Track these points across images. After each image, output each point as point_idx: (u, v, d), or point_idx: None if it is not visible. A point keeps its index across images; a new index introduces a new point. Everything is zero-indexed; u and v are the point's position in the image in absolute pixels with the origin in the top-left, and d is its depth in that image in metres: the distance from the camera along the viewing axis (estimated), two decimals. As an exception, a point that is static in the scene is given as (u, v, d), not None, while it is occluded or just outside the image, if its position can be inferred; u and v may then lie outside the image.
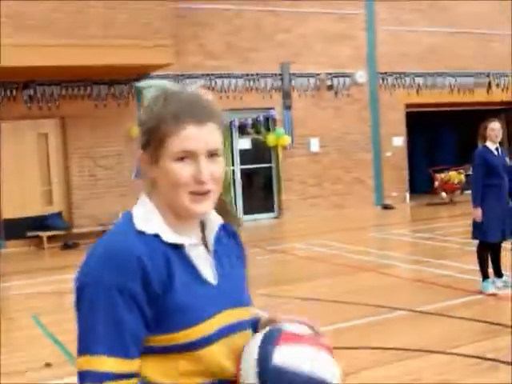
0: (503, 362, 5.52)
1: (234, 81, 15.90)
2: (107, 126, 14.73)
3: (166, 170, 1.58)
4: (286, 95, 16.44)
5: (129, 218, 1.62)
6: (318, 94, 17.00)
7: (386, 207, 17.35)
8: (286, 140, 16.17)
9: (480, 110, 18.58)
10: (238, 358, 1.60)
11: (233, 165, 16.26)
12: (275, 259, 11.25)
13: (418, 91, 18.20)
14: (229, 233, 1.79)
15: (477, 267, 8.19)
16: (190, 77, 15.15)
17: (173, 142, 1.57)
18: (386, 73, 17.80)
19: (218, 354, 1.58)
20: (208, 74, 15.57)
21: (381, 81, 17.75)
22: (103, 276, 1.50)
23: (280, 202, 16.66)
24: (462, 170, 18.16)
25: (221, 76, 15.75)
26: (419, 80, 18.21)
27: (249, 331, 1.69)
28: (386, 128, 17.82)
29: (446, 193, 17.81)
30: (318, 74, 16.91)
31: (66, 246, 13.68)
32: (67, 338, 6.53)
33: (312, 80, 16.86)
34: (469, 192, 17.67)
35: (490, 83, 19.42)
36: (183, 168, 1.57)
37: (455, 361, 5.60)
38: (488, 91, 19.38)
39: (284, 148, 16.38)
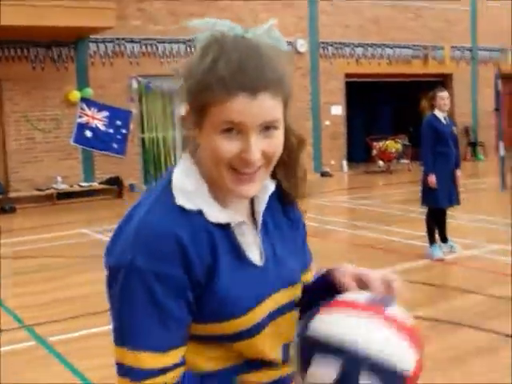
0: (458, 324, 5.58)
1: (175, 46, 15.56)
2: (45, 89, 14.31)
3: (208, 141, 1.31)
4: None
5: (168, 186, 1.36)
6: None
7: (324, 174, 17.43)
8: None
9: (417, 81, 18.81)
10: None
11: (173, 130, 15.98)
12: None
13: (357, 61, 18.25)
14: (279, 198, 1.51)
15: (421, 233, 8.29)
16: (131, 41, 14.77)
17: (218, 111, 1.27)
18: (326, 42, 17.75)
19: (266, 339, 1.40)
20: (150, 39, 15.21)
21: (321, 50, 17.70)
22: (138, 260, 1.28)
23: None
24: (398, 140, 18.36)
25: (163, 41, 15.40)
26: (359, 50, 18.26)
27: (296, 309, 1.49)
28: (326, 97, 17.85)
29: (383, 161, 18.00)
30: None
31: (3, 211, 13.22)
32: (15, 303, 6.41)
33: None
34: (405, 161, 18.05)
35: (426, 55, 19.61)
36: (228, 142, 1.28)
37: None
38: (424, 63, 19.58)
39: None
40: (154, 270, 1.27)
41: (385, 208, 12.12)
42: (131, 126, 14.61)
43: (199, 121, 1.30)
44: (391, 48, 18.81)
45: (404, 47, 19.05)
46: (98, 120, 14.17)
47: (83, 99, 14.21)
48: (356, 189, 15.50)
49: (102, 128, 14.23)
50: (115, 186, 14.66)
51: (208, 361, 1.41)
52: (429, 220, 7.95)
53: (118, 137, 14.39)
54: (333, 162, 17.99)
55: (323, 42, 17.69)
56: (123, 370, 1.31)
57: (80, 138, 14.11)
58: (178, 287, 1.29)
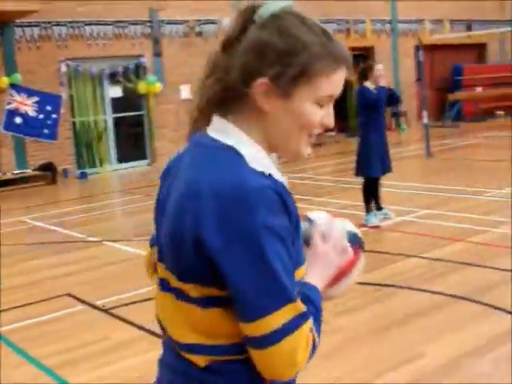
0: (399, 287, 5.82)
1: (102, 28, 15.38)
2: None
3: (298, 110, 1.45)
4: (156, 42, 16.12)
5: (227, 147, 1.45)
6: (188, 41, 16.80)
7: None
8: (157, 87, 15.94)
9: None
10: None
11: (104, 114, 15.84)
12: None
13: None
14: None
15: (354, 202, 8.54)
16: (57, 24, 14.51)
17: (323, 83, 1.44)
18: (252, 19, 17.79)
19: None
20: (76, 21, 14.96)
21: (247, 27, 17.74)
22: (272, 221, 1.36)
23: (153, 150, 16.45)
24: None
25: (90, 23, 15.18)
26: (283, 27, 18.33)
27: None
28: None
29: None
30: (187, 21, 16.68)
31: None
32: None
33: (181, 27, 16.64)
34: (332, 133, 18.33)
35: (348, 29, 19.90)
36: (319, 112, 1.47)
37: (355, 289, 5.78)
38: (347, 37, 19.86)
39: (155, 95, 16.12)
40: (280, 225, 1.37)
41: (317, 180, 12.37)
42: (62, 111, 14.39)
43: (292, 91, 1.43)
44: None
45: (328, 22, 19.23)
46: (27, 106, 13.91)
47: (12, 85, 13.91)
48: (287, 163, 15.67)
49: (33, 114, 13.98)
50: (49, 172, 14.46)
51: None
52: (365, 189, 8.19)
53: (49, 122, 14.16)
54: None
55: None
56: (291, 323, 1.38)
57: (10, 125, 13.84)
58: (290, 236, 1.41)
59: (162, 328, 1.62)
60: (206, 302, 1.45)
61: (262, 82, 1.42)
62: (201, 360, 1.49)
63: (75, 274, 6.93)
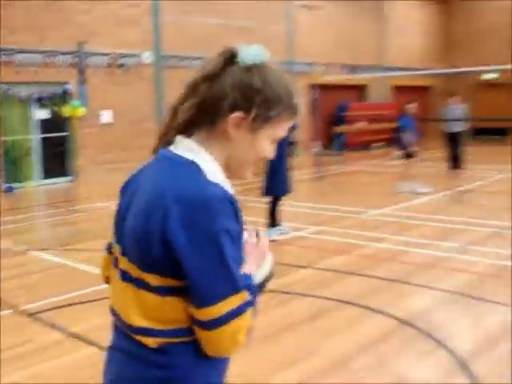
0: (295, 294, 5.92)
1: (33, 56, 14.90)
2: None
3: (258, 144, 1.59)
4: (81, 71, 15.78)
5: (192, 166, 1.53)
6: (111, 71, 16.55)
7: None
8: (81, 112, 15.60)
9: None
10: None
11: (31, 133, 15.35)
12: (82, 217, 10.85)
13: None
14: None
15: (256, 219, 8.59)
16: (-10, 51, 14.01)
17: (282, 127, 1.61)
18: (168, 55, 17.76)
19: None
20: (8, 49, 14.46)
21: (164, 61, 17.68)
22: (227, 223, 1.46)
23: (75, 167, 16.06)
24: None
25: (21, 51, 14.68)
26: (197, 62, 18.39)
27: None
28: (168, 102, 17.80)
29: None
30: (110, 54, 16.45)
31: None
32: None
33: (105, 58, 16.37)
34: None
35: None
36: (269, 148, 1.62)
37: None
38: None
39: (79, 119, 15.77)
40: (231, 229, 1.47)
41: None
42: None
43: (260, 127, 1.56)
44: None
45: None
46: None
47: None
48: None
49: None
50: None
51: None
52: (272, 207, 8.28)
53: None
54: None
55: (166, 55, 17.68)
56: (236, 311, 1.47)
57: None
58: (240, 239, 1.53)
59: (115, 316, 1.65)
60: (164, 291, 1.50)
61: (239, 116, 1.52)
62: (152, 342, 1.53)
63: (2, 281, 6.67)
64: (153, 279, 1.51)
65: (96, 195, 12.85)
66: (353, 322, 5.16)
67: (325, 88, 21.93)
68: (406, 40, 27.51)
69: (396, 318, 5.13)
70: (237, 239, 1.50)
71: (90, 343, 4.75)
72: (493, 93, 27.96)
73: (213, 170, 1.54)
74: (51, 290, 6.19)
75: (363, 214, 10.03)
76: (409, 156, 12.26)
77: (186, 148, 1.56)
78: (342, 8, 23.74)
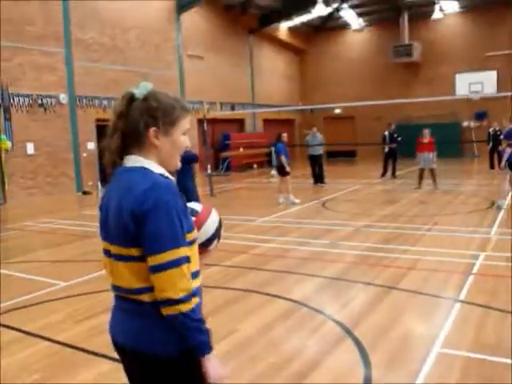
0: (209, 287, 5.97)
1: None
2: None
3: (175, 140, 1.85)
4: (6, 110, 14.98)
5: (144, 169, 1.80)
6: (32, 110, 15.82)
7: (85, 193, 16.91)
8: (7, 144, 14.80)
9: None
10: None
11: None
12: (15, 234, 10.28)
13: (104, 110, 17.98)
14: None
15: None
16: None
17: (184, 123, 1.87)
18: (81, 96, 17.26)
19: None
20: None
21: (78, 101, 17.18)
22: (172, 199, 1.72)
23: (4, 192, 15.17)
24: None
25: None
26: (105, 102, 18.01)
27: None
28: (82, 136, 17.34)
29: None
30: (32, 95, 15.74)
31: None
32: None
33: (27, 99, 15.63)
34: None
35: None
36: (184, 138, 1.89)
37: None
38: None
39: (6, 150, 14.95)
40: (180, 205, 1.74)
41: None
42: None
43: (169, 131, 1.83)
44: (128, 100, 18.84)
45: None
46: None
47: None
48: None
49: None
50: None
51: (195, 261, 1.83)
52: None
53: None
54: (90, 183, 17.53)
55: (79, 96, 17.20)
56: (179, 260, 1.67)
57: None
58: (182, 208, 1.76)
59: (117, 289, 1.85)
60: (143, 258, 1.72)
61: (154, 130, 1.81)
62: (147, 297, 1.74)
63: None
64: (135, 251, 1.73)
65: (25, 216, 12.26)
66: (259, 305, 5.27)
67: (212, 122, 22.07)
68: (273, 82, 28.39)
69: (293, 301, 5.34)
70: (182, 211, 1.74)
71: (43, 339, 4.60)
72: (340, 123, 29.45)
73: (156, 168, 1.82)
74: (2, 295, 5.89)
75: (253, 222, 10.24)
76: (284, 174, 12.65)
77: (134, 161, 1.82)
78: (221, 57, 24.16)
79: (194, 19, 22.23)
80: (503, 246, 7.34)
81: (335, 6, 26.26)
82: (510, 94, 21.39)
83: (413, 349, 4.10)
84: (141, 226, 1.68)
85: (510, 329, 4.33)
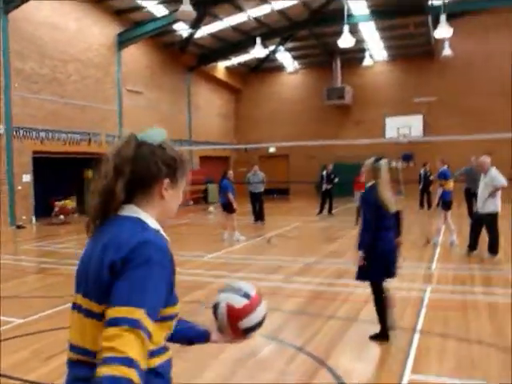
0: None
1: None
2: None
3: (179, 194, 1.76)
4: None
5: (139, 221, 1.63)
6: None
7: (19, 227, 16.31)
8: None
9: (83, 158, 18.78)
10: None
11: None
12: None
13: (41, 142, 17.59)
14: None
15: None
16: None
17: (186, 178, 1.78)
18: (18, 127, 16.83)
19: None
20: None
21: (14, 132, 16.72)
22: (161, 262, 1.53)
23: None
24: (72, 199, 18.04)
25: None
26: (42, 134, 17.64)
27: None
28: (18, 168, 16.82)
29: (63, 215, 17.51)
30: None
31: None
32: None
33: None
34: (75, 215, 17.74)
35: (89, 139, 19.74)
36: (182, 195, 1.80)
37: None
38: (88, 144, 19.66)
39: None
40: (166, 269, 1.54)
41: (74, 248, 11.85)
42: None
43: (179, 183, 1.73)
44: (65, 133, 18.56)
45: (74, 133, 18.96)
46: None
47: None
48: (46, 236, 14.86)
49: None
50: None
51: (161, 340, 1.63)
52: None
53: None
54: (24, 217, 16.95)
55: (16, 127, 16.76)
56: (126, 320, 1.41)
57: None
58: (170, 284, 1.58)
59: (75, 350, 1.62)
60: None
61: (166, 181, 1.69)
62: None
63: None
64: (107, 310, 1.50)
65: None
66: (224, 344, 5.37)
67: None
68: (209, 119, 28.81)
69: (260, 335, 5.48)
70: (166, 278, 1.54)
71: (14, 379, 4.50)
72: (275, 161, 30.14)
73: (153, 222, 1.66)
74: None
75: (202, 258, 10.27)
76: (230, 211, 12.84)
77: (130, 210, 1.66)
78: (160, 93, 24.34)
79: (135, 55, 22.41)
80: (446, 279, 7.90)
81: (272, 48, 27.31)
82: (436, 138, 22.98)
83: (386, 375, 4.38)
84: (116, 279, 1.49)
85: (468, 354, 4.72)
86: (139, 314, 1.42)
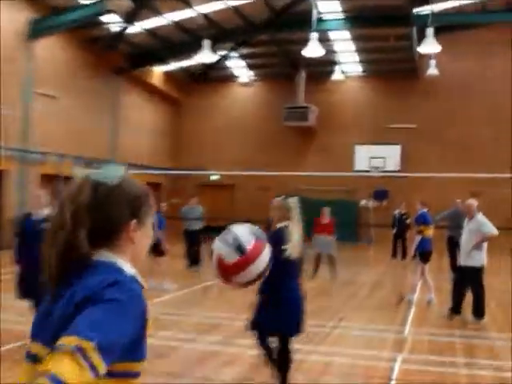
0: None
1: None
2: None
3: (148, 231, 1.91)
4: None
5: (115, 266, 1.76)
6: None
7: None
8: None
9: None
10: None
11: None
12: None
13: None
14: None
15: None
16: None
17: (151, 213, 1.92)
18: None
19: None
20: None
21: None
22: (128, 302, 1.63)
23: None
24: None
25: None
26: None
27: None
28: None
29: None
30: None
31: None
32: None
33: None
34: None
35: None
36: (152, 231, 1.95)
37: None
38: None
39: None
40: (131, 308, 1.64)
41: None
42: None
43: (146, 221, 1.88)
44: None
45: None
46: None
47: None
48: None
49: None
50: None
51: None
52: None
53: None
54: None
55: None
56: (82, 351, 1.49)
57: None
58: (136, 324, 1.66)
59: None
60: None
61: (133, 223, 1.83)
62: None
63: None
64: None
65: None
66: None
67: (64, 180, 21.72)
68: (140, 136, 28.60)
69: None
70: (131, 317, 1.64)
71: None
72: (217, 192, 30.19)
73: (129, 269, 1.79)
74: None
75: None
76: (160, 254, 12.70)
77: (105, 256, 1.78)
78: (79, 100, 24.02)
79: (50, 49, 22.15)
80: (421, 347, 8.03)
81: (223, 53, 27.62)
82: (415, 174, 23.63)
83: None
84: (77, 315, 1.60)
85: None
86: (86, 344, 1.51)
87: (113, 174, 1.84)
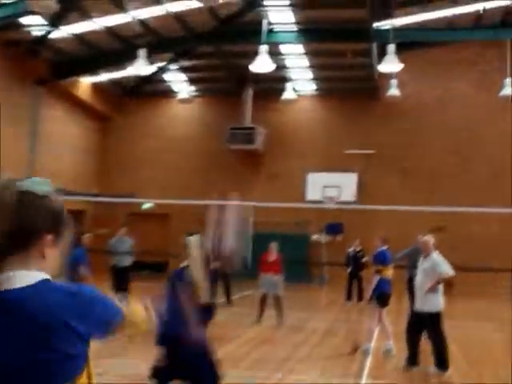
0: None
1: None
2: None
3: (57, 253, 2.01)
4: None
5: (41, 277, 1.90)
6: None
7: None
8: None
9: None
10: None
11: None
12: None
13: None
14: None
15: None
16: None
17: (66, 236, 2.05)
18: None
19: None
20: None
21: None
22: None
23: None
24: None
25: None
26: None
27: None
28: None
29: None
30: None
31: None
32: None
33: None
34: None
35: None
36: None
37: None
38: None
39: None
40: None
41: None
42: None
43: (60, 241, 1.99)
44: None
45: None
46: None
47: None
48: None
49: None
50: None
51: None
52: None
53: None
54: None
55: None
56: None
57: None
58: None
59: None
60: None
61: (49, 238, 1.95)
62: None
63: None
64: None
65: None
66: None
67: None
68: (62, 155, 28.13)
69: None
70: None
71: None
72: (149, 222, 29.82)
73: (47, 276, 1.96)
74: None
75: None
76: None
77: (26, 276, 1.87)
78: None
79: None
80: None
81: (160, 64, 27.55)
82: (373, 207, 23.93)
83: None
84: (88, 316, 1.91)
85: None
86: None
87: (40, 185, 1.96)
